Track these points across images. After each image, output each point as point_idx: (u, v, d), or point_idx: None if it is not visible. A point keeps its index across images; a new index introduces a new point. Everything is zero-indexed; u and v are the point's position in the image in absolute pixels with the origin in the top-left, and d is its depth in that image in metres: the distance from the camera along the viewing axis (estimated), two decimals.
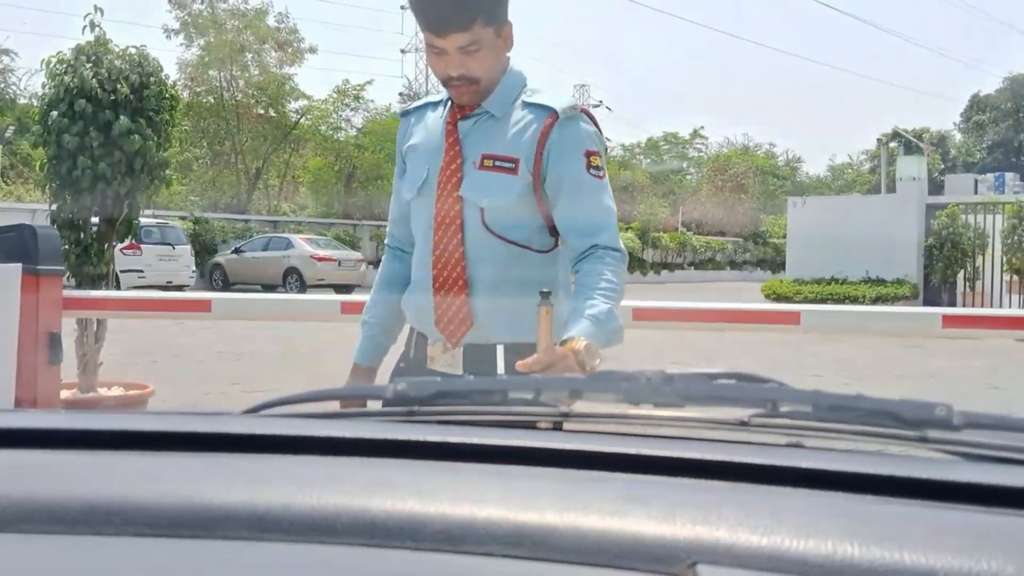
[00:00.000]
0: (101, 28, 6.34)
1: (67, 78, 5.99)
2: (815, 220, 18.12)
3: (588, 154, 1.95)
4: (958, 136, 59.40)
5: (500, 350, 1.96)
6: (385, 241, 2.24)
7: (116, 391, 6.24)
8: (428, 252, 2.00)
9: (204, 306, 4.22)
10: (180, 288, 20.85)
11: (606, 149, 2.01)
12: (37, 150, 6.72)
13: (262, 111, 33.30)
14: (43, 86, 6.21)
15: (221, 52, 31.42)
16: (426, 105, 2.11)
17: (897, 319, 4.47)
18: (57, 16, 63.39)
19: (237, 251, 25.53)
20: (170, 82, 6.60)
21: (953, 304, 16.51)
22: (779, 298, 17.24)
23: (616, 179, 45.90)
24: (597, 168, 1.96)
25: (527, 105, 1.97)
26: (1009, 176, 25.54)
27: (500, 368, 1.93)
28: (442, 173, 1.98)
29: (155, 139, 6.12)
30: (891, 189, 19.80)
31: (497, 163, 1.94)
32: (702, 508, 0.65)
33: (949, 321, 3.89)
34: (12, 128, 30.68)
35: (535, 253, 1.98)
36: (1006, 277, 16.35)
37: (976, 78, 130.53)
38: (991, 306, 16.29)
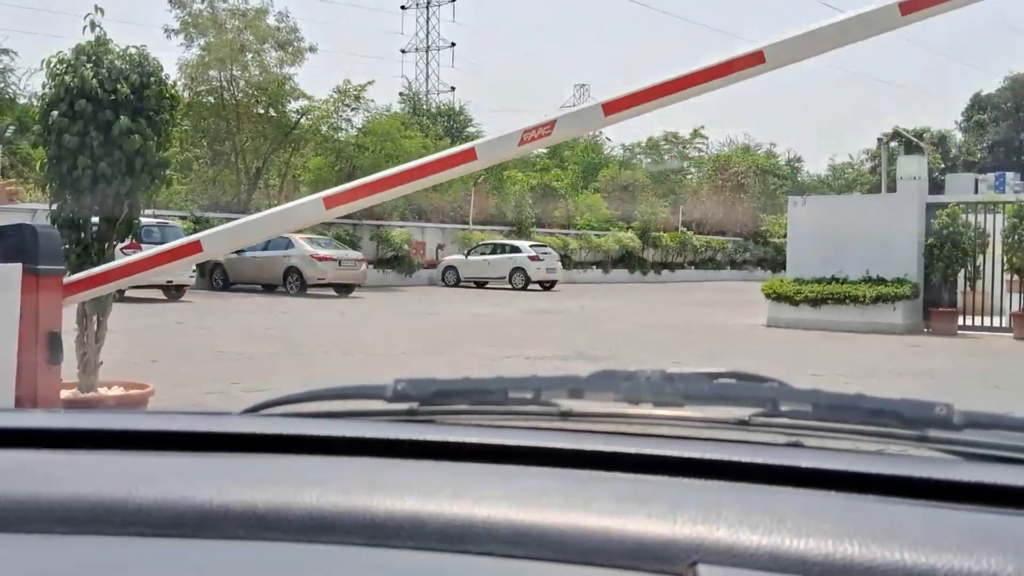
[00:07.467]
0: (101, 28, 6.34)
1: (67, 78, 5.98)
2: (816, 219, 18.07)
3: None
4: (959, 135, 59.35)
5: None
6: None
7: (116, 391, 6.23)
8: None
9: (195, 248, 4.22)
10: (180, 287, 20.88)
11: None
12: (37, 150, 6.71)
13: (262, 111, 33.18)
14: (43, 86, 6.21)
15: (221, 52, 31.32)
16: None
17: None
18: (57, 16, 63.35)
19: (237, 250, 25.52)
20: (170, 82, 6.59)
21: (953, 304, 16.49)
22: (779, 297, 17.23)
23: (617, 179, 45.89)
24: None
25: None
26: (1010, 175, 25.52)
27: None
28: None
29: (155, 139, 6.11)
30: (892, 189, 19.76)
31: None
32: (703, 508, 0.65)
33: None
34: (12, 128, 30.62)
35: None
36: (1006, 276, 16.32)
37: (976, 78, 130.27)
38: (991, 305, 16.28)
